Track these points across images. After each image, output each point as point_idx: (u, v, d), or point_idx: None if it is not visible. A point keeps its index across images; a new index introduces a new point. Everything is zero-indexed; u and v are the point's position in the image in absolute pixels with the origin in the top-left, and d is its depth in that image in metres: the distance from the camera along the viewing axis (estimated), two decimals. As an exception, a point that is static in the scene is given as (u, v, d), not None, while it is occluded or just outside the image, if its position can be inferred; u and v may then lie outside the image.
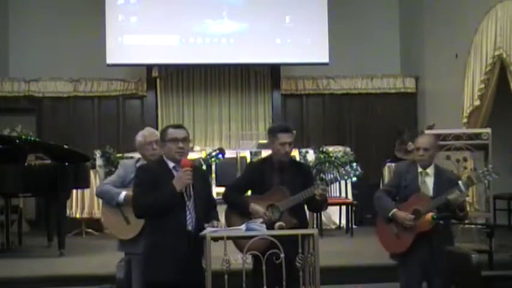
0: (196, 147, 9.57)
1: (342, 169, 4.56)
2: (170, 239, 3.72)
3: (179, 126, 3.95)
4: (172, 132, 3.86)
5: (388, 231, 4.44)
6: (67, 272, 6.09)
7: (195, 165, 3.94)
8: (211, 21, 9.82)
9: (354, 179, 4.53)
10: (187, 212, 3.77)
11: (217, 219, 3.97)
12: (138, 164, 4.56)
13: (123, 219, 4.51)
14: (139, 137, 4.63)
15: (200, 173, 3.99)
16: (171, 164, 3.87)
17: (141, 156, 4.67)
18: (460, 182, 4.31)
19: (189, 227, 3.76)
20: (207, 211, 3.91)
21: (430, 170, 4.46)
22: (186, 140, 3.88)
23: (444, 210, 4.28)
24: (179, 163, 3.82)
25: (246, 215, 4.27)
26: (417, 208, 4.31)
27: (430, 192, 4.41)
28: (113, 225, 4.67)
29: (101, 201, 5.08)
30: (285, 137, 4.39)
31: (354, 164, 4.52)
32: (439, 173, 4.47)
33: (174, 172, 3.83)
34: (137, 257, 4.14)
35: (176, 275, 3.71)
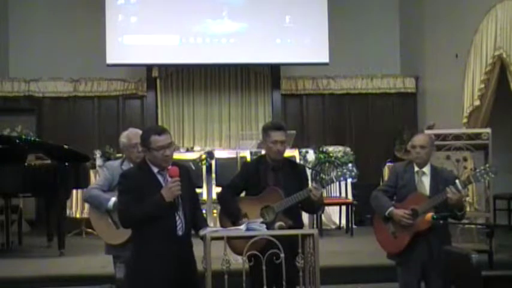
0: (197, 147, 9.56)
1: (338, 170, 4.53)
2: (160, 246, 3.61)
3: (162, 131, 3.70)
4: (156, 140, 3.64)
5: (385, 230, 4.44)
6: (67, 272, 6.09)
7: (181, 166, 3.81)
8: (211, 21, 9.82)
9: (350, 180, 4.51)
10: (177, 217, 3.67)
11: (207, 225, 3.94)
12: (124, 165, 4.48)
13: (112, 224, 4.43)
14: (123, 138, 4.49)
15: (186, 173, 3.83)
16: (155, 169, 3.71)
17: (125, 157, 4.55)
18: (457, 181, 4.30)
19: (179, 232, 3.67)
20: (193, 211, 3.83)
21: (427, 170, 4.46)
22: (171, 145, 3.71)
23: (442, 210, 4.27)
24: (164, 168, 3.71)
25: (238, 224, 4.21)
26: (414, 207, 4.30)
27: (427, 192, 4.40)
28: (101, 229, 4.54)
29: (88, 206, 4.88)
30: (276, 135, 4.31)
31: (350, 165, 4.49)
32: (435, 173, 4.47)
33: (159, 177, 3.71)
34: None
35: (167, 281, 3.63)
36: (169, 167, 3.69)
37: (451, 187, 4.23)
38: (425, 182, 4.43)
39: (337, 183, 8.21)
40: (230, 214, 4.31)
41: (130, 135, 4.49)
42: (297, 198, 4.24)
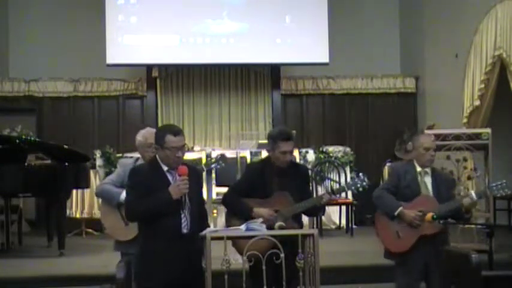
0: (196, 147, 9.57)
1: (350, 180, 4.58)
2: (164, 243, 3.65)
3: (178, 132, 3.75)
4: (172, 141, 3.70)
5: (389, 229, 4.41)
6: (67, 272, 6.09)
7: (190, 167, 3.86)
8: (211, 21, 9.82)
9: (361, 189, 4.52)
10: (183, 215, 3.71)
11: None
12: (137, 164, 4.53)
13: (122, 220, 4.47)
14: (140, 136, 4.58)
15: (195, 174, 3.87)
16: (164, 167, 3.77)
17: (140, 156, 4.62)
18: (472, 192, 4.41)
19: (184, 230, 3.71)
20: (200, 211, 3.87)
21: (428, 170, 4.47)
22: (184, 147, 3.78)
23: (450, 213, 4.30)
24: (174, 167, 3.75)
25: (248, 220, 4.21)
26: (423, 210, 4.29)
27: (430, 192, 4.41)
28: (111, 226, 4.62)
29: (100, 201, 5.02)
30: (286, 146, 4.29)
31: (361, 174, 4.52)
32: (436, 173, 4.50)
33: (168, 175, 3.76)
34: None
35: (171, 279, 3.66)
36: (179, 166, 3.74)
37: (467, 198, 4.33)
38: (427, 182, 4.44)
39: (338, 184, 8.22)
40: (241, 212, 4.28)
41: (147, 134, 4.54)
42: (307, 205, 4.25)
